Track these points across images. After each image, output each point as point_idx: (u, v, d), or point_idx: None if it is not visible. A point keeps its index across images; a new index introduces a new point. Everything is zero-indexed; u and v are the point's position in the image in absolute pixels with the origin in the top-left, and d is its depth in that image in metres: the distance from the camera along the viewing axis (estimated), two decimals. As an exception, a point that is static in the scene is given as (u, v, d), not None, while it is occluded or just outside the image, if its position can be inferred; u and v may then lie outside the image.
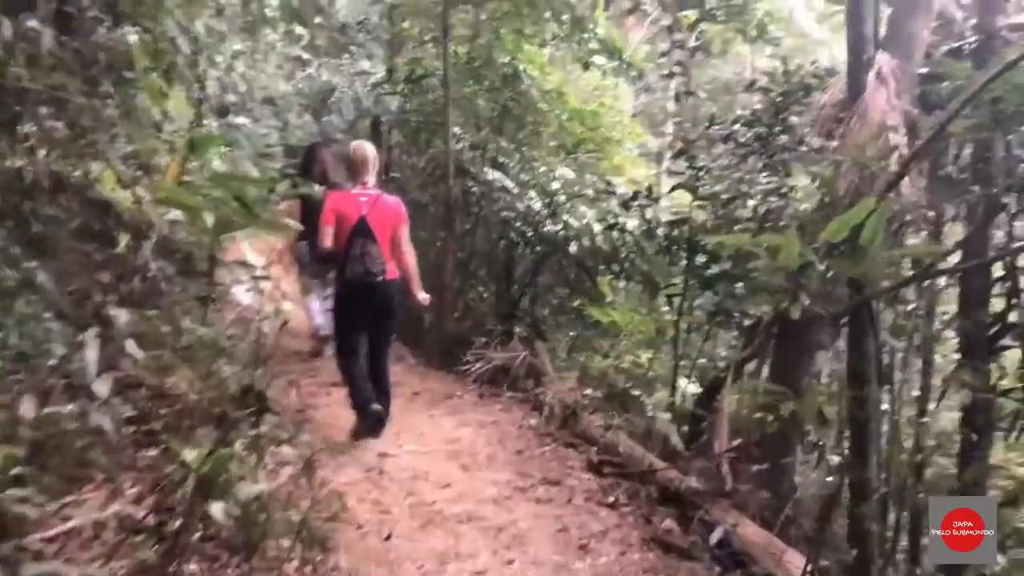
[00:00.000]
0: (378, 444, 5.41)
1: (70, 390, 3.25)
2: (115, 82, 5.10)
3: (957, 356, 6.99)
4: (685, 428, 6.91)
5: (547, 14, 9.48)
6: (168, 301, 4.28)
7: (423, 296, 5.65)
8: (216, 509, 2.80)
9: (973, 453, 6.13)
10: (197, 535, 3.09)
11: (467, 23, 9.88)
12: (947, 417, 7.81)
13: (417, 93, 9.87)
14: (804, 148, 6.77)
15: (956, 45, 6.68)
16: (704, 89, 12.06)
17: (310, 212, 6.17)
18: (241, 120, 9.80)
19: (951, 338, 7.32)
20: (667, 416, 6.49)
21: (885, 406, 6.57)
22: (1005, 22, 6.47)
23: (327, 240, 5.26)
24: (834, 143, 6.12)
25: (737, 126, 7.57)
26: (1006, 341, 6.70)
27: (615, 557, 4.35)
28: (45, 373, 3.23)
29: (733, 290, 7.41)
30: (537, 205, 8.81)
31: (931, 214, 6.65)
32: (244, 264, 3.93)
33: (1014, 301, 6.40)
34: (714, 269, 7.56)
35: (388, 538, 4.13)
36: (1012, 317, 6.49)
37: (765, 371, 7.73)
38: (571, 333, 10.05)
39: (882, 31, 6.33)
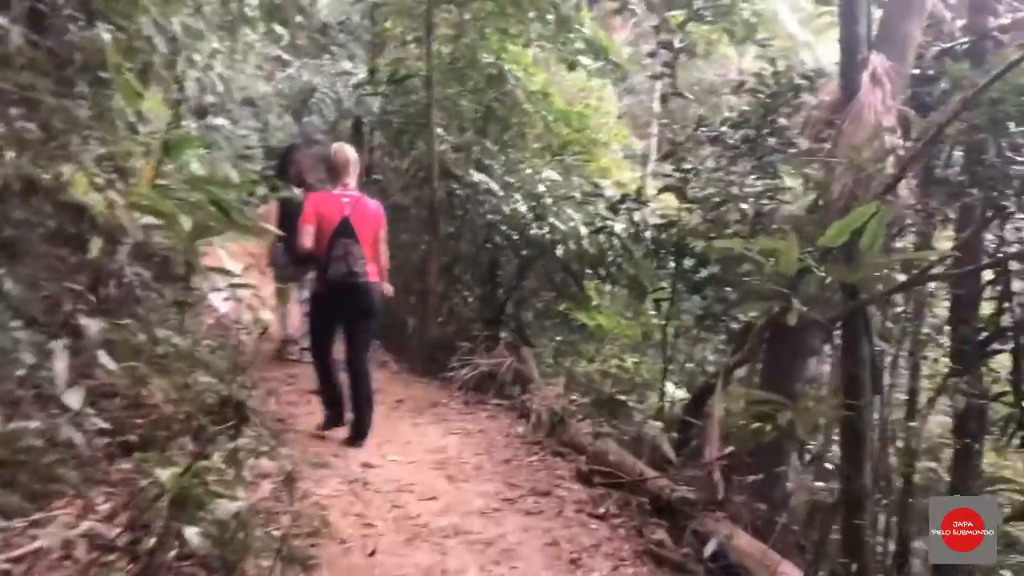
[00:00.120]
0: (361, 454, 5.34)
1: (40, 401, 3.13)
2: (90, 82, 4.97)
3: (947, 360, 6.95)
4: (674, 434, 6.80)
5: (532, 14, 9.39)
6: (144, 308, 4.16)
7: (387, 287, 5.73)
8: (191, 533, 2.66)
9: (967, 460, 6.08)
10: (172, 554, 2.92)
11: (451, 23, 9.75)
12: (936, 420, 7.77)
13: (400, 94, 9.73)
14: (793, 150, 6.69)
15: (947, 46, 6.63)
16: (690, 91, 11.98)
17: (287, 214, 6.09)
18: (220, 121, 9.69)
19: (942, 342, 7.27)
20: (656, 423, 6.37)
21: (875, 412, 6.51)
22: (996, 23, 6.43)
23: (307, 240, 5.28)
24: (825, 145, 6.05)
25: (725, 128, 7.49)
26: (997, 345, 6.67)
27: (608, 572, 4.21)
28: (13, 384, 3.13)
29: (722, 294, 7.34)
30: (523, 208, 8.68)
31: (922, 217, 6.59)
32: (222, 270, 3.82)
33: (1006, 305, 6.36)
34: (703, 273, 7.50)
35: (372, 554, 3.99)
36: (1004, 321, 6.45)
37: (756, 377, 7.64)
38: (557, 338, 9.94)
39: (873, 32, 6.26)
